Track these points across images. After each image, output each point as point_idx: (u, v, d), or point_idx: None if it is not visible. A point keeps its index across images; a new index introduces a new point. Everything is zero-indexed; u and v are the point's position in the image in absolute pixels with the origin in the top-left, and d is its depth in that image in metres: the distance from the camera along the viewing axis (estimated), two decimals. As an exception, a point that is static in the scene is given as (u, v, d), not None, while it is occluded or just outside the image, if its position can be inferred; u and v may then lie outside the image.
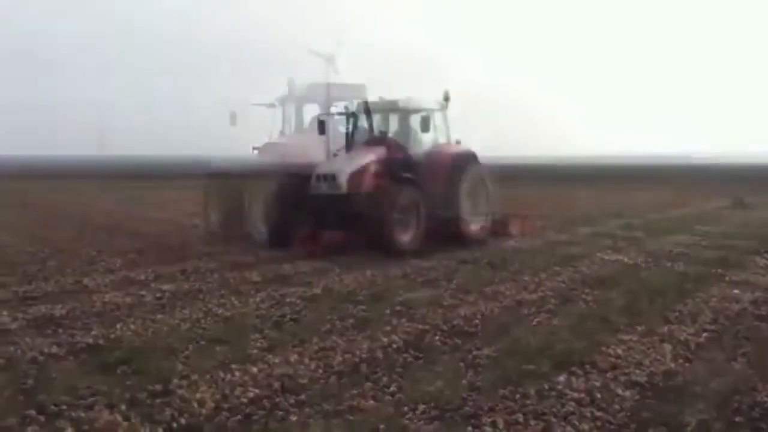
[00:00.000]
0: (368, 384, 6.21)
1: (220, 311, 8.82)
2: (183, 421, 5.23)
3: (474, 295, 9.76)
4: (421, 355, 7.07)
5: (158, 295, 9.84)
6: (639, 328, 7.89)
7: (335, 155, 15.54)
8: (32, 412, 5.49)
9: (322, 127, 15.47)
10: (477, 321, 8.43)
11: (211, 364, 6.68)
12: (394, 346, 7.27)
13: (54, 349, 7.10)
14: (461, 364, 6.77)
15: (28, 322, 8.32)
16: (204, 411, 5.42)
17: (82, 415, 5.26)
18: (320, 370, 6.46)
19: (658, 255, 13.77)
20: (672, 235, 17.05)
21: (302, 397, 5.87)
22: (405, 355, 7.09)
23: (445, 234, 15.15)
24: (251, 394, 5.81)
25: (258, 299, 9.47)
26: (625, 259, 13.16)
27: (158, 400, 5.58)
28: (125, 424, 5.10)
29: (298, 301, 9.57)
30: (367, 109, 15.48)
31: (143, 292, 9.91)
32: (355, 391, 6.01)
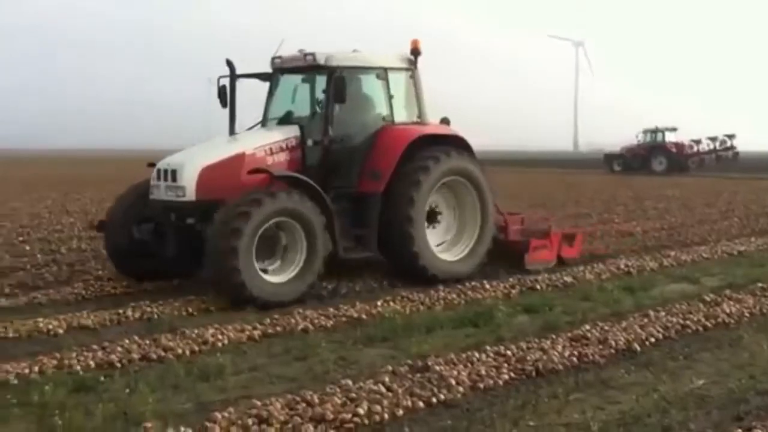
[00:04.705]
0: (625, 376, 6.08)
1: (472, 294, 9.04)
2: (442, 396, 5.47)
3: (742, 291, 9.10)
4: (680, 351, 6.77)
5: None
6: None
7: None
8: (303, 378, 6.03)
9: (223, 96, 10.10)
10: (745, 319, 7.88)
11: (466, 344, 6.90)
12: (652, 339, 7.02)
13: (323, 321, 7.71)
14: (726, 364, 6.39)
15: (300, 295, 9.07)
16: (461, 389, 5.61)
17: (350, 383, 5.67)
18: (574, 359, 6.41)
19: None
20: None
21: (556, 383, 5.88)
22: (664, 349, 6.83)
23: (397, 269, 9.97)
24: (506, 377, 5.92)
25: (509, 284, 9.57)
26: None
27: (418, 375, 5.86)
28: (389, 395, 5.41)
29: (549, 289, 9.55)
30: (283, 69, 10.28)
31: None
32: (611, 383, 5.91)
